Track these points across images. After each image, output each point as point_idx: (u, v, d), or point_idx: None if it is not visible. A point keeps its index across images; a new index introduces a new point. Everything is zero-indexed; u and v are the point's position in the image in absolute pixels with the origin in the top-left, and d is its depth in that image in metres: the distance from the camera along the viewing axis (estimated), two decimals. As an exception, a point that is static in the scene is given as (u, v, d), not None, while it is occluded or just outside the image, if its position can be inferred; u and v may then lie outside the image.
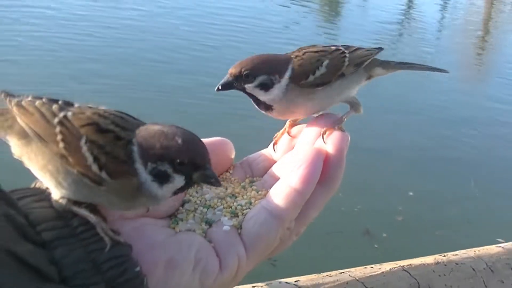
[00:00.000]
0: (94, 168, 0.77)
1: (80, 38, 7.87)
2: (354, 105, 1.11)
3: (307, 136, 0.99)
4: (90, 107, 0.83)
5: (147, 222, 0.86)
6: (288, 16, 10.93)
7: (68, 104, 0.83)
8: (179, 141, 0.79)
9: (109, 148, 0.78)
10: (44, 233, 0.75)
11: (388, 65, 1.20)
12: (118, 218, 0.84)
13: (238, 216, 0.90)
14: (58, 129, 0.79)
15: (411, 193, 5.39)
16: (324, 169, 0.89)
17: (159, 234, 0.84)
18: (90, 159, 0.77)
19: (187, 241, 0.84)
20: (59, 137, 0.78)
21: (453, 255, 1.64)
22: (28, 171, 0.83)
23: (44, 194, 0.81)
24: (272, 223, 0.86)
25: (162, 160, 0.79)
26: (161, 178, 0.79)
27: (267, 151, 1.07)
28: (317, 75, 1.05)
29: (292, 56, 1.07)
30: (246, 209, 0.91)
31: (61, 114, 0.80)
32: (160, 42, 8.23)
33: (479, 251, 1.72)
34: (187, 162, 0.79)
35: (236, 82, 1.03)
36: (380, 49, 1.18)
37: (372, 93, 7.87)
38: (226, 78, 1.04)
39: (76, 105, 0.83)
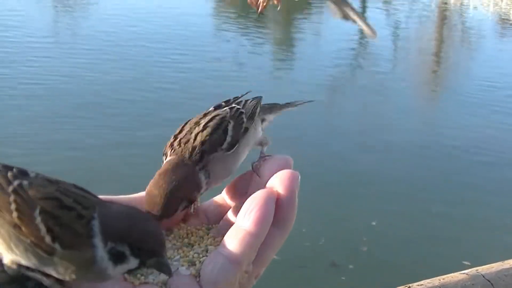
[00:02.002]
0: (47, 239, 0.77)
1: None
2: (263, 143, 1.14)
3: (258, 177, 1.00)
4: (48, 180, 0.82)
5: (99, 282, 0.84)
6: (240, 51, 11.02)
7: (23, 173, 0.82)
8: (141, 226, 0.81)
9: (65, 221, 0.78)
10: None
11: (274, 108, 1.24)
12: None
13: (195, 265, 0.90)
14: (12, 198, 0.78)
15: (374, 223, 5.41)
16: (276, 210, 0.89)
17: None
18: (43, 230, 0.77)
19: None
20: (13, 206, 0.78)
21: (418, 285, 1.64)
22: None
23: None
24: (229, 268, 0.86)
25: (122, 242, 0.79)
26: (117, 258, 0.80)
27: (220, 197, 1.06)
28: (228, 140, 1.06)
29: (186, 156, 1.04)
30: (203, 256, 0.91)
31: (16, 183, 0.80)
32: (116, 84, 8.22)
33: (443, 279, 1.73)
34: (146, 248, 0.81)
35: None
36: (261, 97, 1.21)
37: (329, 123, 7.98)
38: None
39: (31, 174, 0.83)
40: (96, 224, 0.79)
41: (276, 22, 14.91)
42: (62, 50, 9.89)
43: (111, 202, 0.85)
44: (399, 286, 2.19)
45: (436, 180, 6.43)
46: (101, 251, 0.79)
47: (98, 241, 0.79)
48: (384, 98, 9.34)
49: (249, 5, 1.60)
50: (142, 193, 1.01)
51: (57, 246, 0.77)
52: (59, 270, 0.79)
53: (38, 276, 0.79)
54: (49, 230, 0.77)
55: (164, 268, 0.83)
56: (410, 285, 1.56)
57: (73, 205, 0.79)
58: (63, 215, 0.78)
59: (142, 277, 0.87)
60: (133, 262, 0.81)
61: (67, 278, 0.81)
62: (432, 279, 1.70)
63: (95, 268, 0.80)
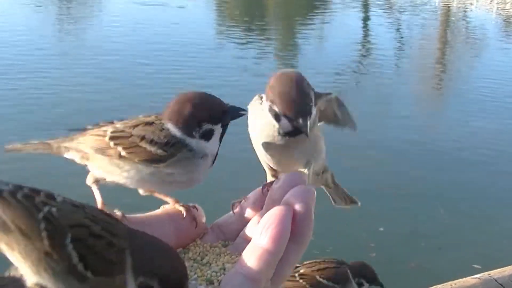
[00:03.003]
0: (80, 267, 0.78)
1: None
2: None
3: (274, 194, 0.99)
4: (74, 205, 0.83)
5: None
6: (243, 59, 11.04)
7: (50, 197, 0.83)
8: (170, 261, 0.84)
9: (97, 249, 0.79)
10: None
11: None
12: None
13: (213, 283, 0.90)
14: (43, 225, 0.79)
15: (381, 229, 5.40)
16: (293, 226, 0.90)
17: None
18: (75, 258, 0.78)
19: None
20: (44, 233, 0.79)
21: (430, 291, 1.63)
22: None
23: (18, 283, 0.81)
24: (248, 286, 0.85)
25: (152, 277, 0.81)
26: None
27: (236, 212, 1.06)
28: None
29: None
30: (220, 275, 0.91)
31: (46, 209, 0.80)
32: (121, 94, 8.24)
33: (455, 284, 1.73)
34: (173, 284, 0.82)
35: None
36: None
37: (333, 129, 7.96)
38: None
39: (58, 198, 0.83)
40: (128, 255, 0.81)
41: (277, 29, 14.92)
42: (66, 61, 9.96)
43: (137, 232, 0.86)
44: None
45: (443, 184, 6.41)
46: (131, 283, 0.80)
47: (129, 271, 0.80)
48: (388, 101, 9.34)
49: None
50: (158, 211, 1.04)
51: (89, 274, 0.78)
52: None
53: None
54: (81, 258, 0.78)
55: None
56: (423, 291, 1.55)
57: (102, 233, 0.81)
58: (94, 243, 0.79)
59: None
60: None
61: None
62: (444, 284, 1.70)
63: None
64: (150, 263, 0.82)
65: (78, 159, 1.15)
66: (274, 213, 0.89)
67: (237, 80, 9.64)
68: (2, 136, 6.54)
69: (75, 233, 0.79)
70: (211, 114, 1.06)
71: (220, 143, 1.11)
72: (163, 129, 1.07)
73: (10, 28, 12.04)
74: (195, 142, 1.06)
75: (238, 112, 1.09)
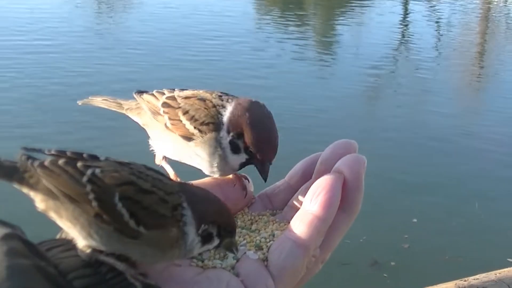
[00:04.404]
0: (132, 224, 0.79)
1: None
2: None
3: (324, 163, 0.98)
4: (119, 163, 0.84)
5: (174, 262, 0.87)
6: (284, 51, 11.01)
7: (93, 158, 0.84)
8: (225, 208, 0.87)
9: (147, 204, 0.80)
10: (75, 281, 0.76)
11: None
12: None
13: (262, 249, 0.89)
14: (89, 188, 0.79)
15: (415, 220, 5.36)
16: (343, 194, 0.89)
17: (188, 272, 0.85)
18: (126, 215, 0.79)
19: (216, 277, 0.84)
20: (91, 196, 0.79)
21: (474, 279, 1.61)
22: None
23: (70, 244, 0.82)
24: (297, 252, 0.85)
25: (214, 224, 0.84)
26: (206, 239, 0.84)
27: (284, 182, 1.05)
28: None
29: None
30: (270, 241, 0.90)
31: (89, 172, 0.81)
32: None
33: (499, 273, 1.70)
34: (228, 229, 0.86)
35: None
36: None
37: (371, 117, 7.93)
38: None
39: (101, 158, 0.84)
40: (186, 209, 0.82)
41: (317, 20, 14.87)
42: (105, 51, 10.08)
43: (188, 185, 0.88)
44: (442, 282, 2.16)
45: (479, 179, 6.32)
46: (192, 234, 0.82)
47: (189, 224, 0.82)
48: (425, 94, 9.24)
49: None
50: (208, 179, 1.05)
51: (141, 229, 0.79)
52: (145, 252, 0.81)
53: (111, 261, 0.80)
54: (132, 215, 0.78)
55: (233, 247, 0.86)
56: (466, 278, 1.53)
57: (152, 189, 0.81)
58: (143, 199, 0.80)
59: (210, 262, 0.88)
60: (215, 242, 0.85)
61: (149, 259, 0.82)
62: (488, 273, 1.67)
63: (181, 247, 0.82)
64: (208, 212, 0.84)
65: (140, 122, 1.17)
66: (325, 180, 0.88)
67: (276, 63, 9.68)
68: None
69: (123, 191, 0.79)
70: (251, 141, 1.03)
71: (239, 167, 1.07)
72: (214, 106, 1.06)
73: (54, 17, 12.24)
74: (224, 140, 1.04)
75: (263, 171, 1.05)
